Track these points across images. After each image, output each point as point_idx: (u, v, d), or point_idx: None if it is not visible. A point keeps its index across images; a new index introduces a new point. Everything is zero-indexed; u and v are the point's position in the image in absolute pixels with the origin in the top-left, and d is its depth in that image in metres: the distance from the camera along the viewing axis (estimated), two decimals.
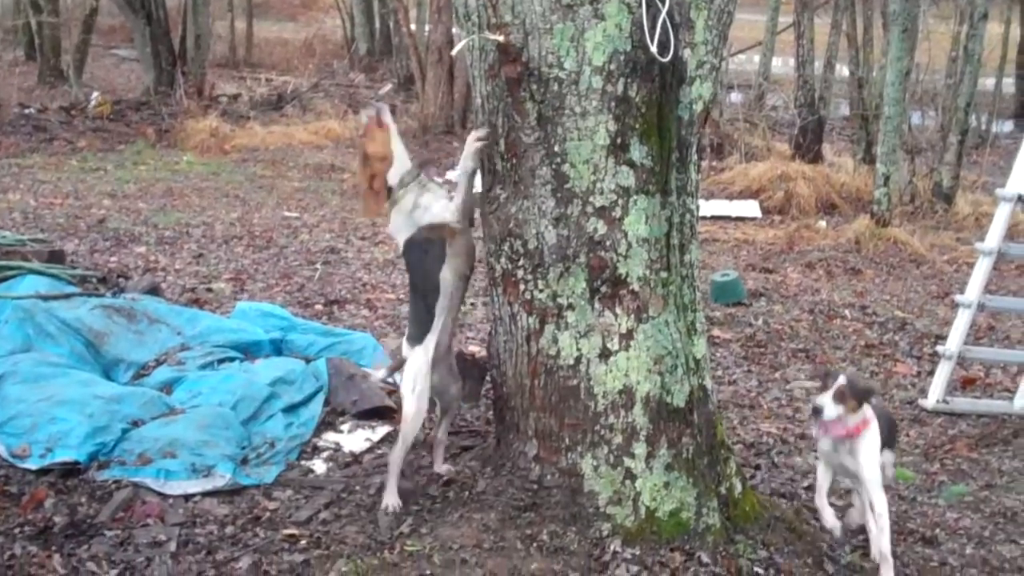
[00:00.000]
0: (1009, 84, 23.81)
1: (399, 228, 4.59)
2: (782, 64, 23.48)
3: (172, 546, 4.33)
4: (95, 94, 19.18)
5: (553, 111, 4.15)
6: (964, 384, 7.53)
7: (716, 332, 8.03)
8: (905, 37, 12.81)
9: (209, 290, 8.34)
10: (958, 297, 7.33)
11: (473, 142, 4.39)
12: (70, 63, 21.64)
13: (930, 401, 6.99)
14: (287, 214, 12.18)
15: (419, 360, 4.56)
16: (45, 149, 15.75)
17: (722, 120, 17.30)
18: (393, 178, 4.58)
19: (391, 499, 4.54)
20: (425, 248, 4.53)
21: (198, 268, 9.14)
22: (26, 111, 18.25)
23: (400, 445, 4.57)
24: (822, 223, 13.50)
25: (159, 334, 6.38)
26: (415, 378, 4.54)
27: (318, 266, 9.52)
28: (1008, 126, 21.94)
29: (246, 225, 11.18)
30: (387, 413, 5.60)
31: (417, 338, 4.59)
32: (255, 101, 20.48)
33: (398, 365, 4.79)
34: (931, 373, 7.30)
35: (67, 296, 6.84)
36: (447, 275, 4.54)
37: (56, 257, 8.06)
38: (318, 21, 32.29)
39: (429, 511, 4.47)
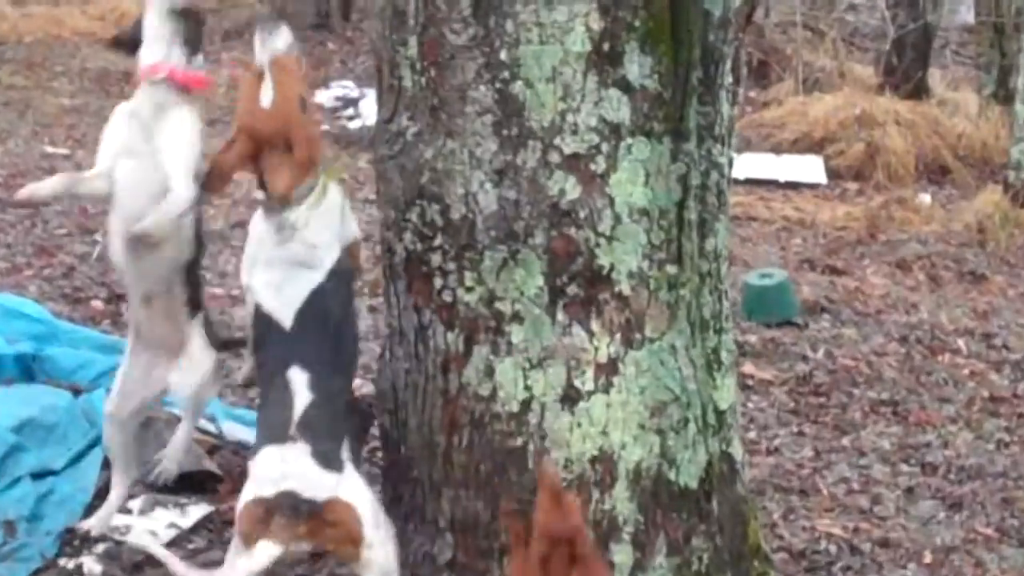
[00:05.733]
0: None
1: (325, 243, 3.13)
2: None
3: None
4: None
5: None
6: None
7: (749, 368, 6.37)
8: None
9: None
10: None
11: None
12: None
13: None
14: (50, 150, 9.97)
15: (364, 487, 2.97)
16: None
17: (768, 24, 14.56)
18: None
19: None
20: (351, 284, 3.32)
21: None
22: None
23: None
24: (926, 197, 11.25)
25: None
26: (376, 513, 2.95)
27: (98, 237, 7.35)
28: None
29: None
30: (206, 482, 4.10)
31: (337, 450, 2.96)
32: None
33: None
34: None
35: None
36: None
37: None
38: None
39: None
